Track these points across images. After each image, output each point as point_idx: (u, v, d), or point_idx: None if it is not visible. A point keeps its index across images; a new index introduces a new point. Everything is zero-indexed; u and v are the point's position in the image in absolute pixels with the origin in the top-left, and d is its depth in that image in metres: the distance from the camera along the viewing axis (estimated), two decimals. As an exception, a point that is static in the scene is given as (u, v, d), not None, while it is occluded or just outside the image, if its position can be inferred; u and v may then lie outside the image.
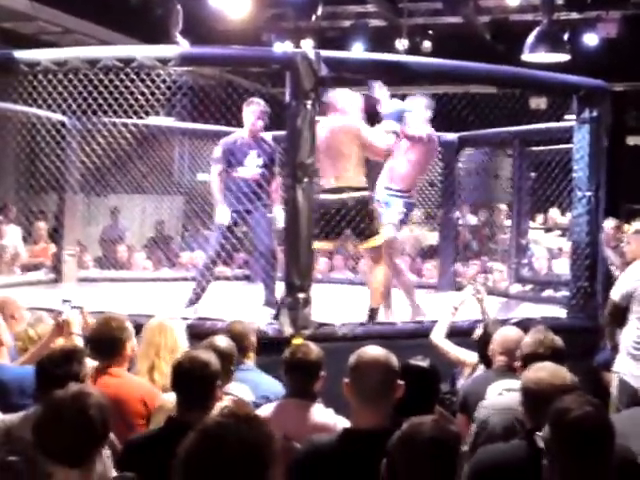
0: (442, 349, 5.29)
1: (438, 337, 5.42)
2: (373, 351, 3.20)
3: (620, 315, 4.95)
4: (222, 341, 4.17)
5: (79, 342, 4.45)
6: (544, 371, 3.13)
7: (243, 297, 7.53)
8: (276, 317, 5.95)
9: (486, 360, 4.60)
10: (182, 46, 8.24)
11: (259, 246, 6.97)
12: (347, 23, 11.51)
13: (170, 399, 3.64)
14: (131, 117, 7.61)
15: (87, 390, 2.82)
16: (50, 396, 2.78)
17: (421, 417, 2.59)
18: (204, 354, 3.43)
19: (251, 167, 6.99)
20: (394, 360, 3.18)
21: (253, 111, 7.02)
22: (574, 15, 10.41)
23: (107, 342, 4.15)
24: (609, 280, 6.58)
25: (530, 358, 3.61)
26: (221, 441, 2.09)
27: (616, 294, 5.01)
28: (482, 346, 4.67)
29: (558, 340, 3.88)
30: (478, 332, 4.98)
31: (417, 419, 2.57)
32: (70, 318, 4.60)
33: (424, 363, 4.01)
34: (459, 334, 5.56)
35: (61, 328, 4.55)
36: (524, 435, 3.09)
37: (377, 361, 3.14)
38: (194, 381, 3.30)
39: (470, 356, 5.07)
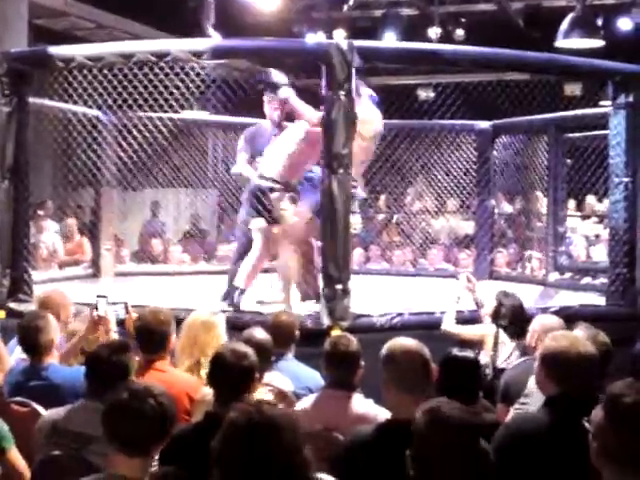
0: (458, 335, 5.42)
1: (449, 325, 5.58)
2: (403, 341, 3.26)
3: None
4: (260, 333, 4.19)
5: (115, 337, 4.48)
6: (567, 339, 3.19)
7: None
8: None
9: (512, 332, 4.84)
10: (215, 39, 8.26)
11: None
12: (379, 12, 11.45)
13: (211, 392, 3.65)
14: (166, 111, 7.65)
15: (156, 385, 2.88)
16: (126, 385, 2.87)
17: (441, 400, 2.61)
18: (241, 347, 3.44)
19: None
20: (426, 350, 3.22)
21: (269, 102, 6.97)
22: (608, 0, 10.30)
23: (155, 336, 4.16)
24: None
25: None
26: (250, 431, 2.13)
27: None
28: (497, 316, 4.95)
29: (606, 338, 3.92)
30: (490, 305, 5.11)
31: (441, 402, 2.59)
32: (106, 314, 4.62)
33: (467, 353, 4.03)
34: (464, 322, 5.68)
35: (97, 323, 4.58)
36: (547, 404, 3.10)
37: (409, 351, 3.19)
38: (232, 374, 3.31)
39: (486, 328, 5.22)
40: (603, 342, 4.00)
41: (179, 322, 4.43)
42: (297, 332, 4.82)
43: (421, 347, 3.23)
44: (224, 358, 3.35)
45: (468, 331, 5.42)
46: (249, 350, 3.41)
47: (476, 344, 5.22)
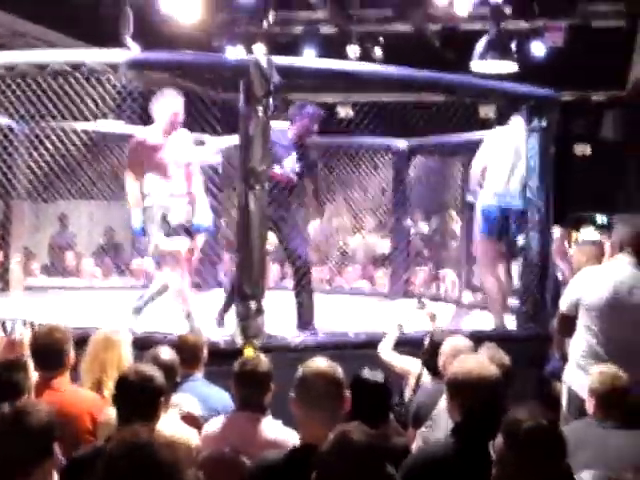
0: (389, 362, 5.31)
1: (385, 351, 5.46)
2: (318, 363, 3.20)
3: (568, 325, 4.97)
4: (166, 353, 4.12)
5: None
6: (470, 363, 3.22)
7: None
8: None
9: (433, 369, 4.62)
10: (132, 50, 8.15)
11: (296, 254, 6.78)
12: (298, 29, 11.48)
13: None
14: (80, 122, 7.52)
15: (31, 405, 2.78)
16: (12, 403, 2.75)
17: (351, 424, 2.60)
18: (147, 368, 3.37)
19: (289, 169, 6.74)
20: (340, 371, 3.18)
21: (296, 116, 6.81)
22: (522, 24, 10.51)
23: (51, 353, 4.07)
24: (558, 289, 6.64)
25: None
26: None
27: (563, 304, 5.04)
28: (428, 356, 4.72)
29: (506, 359, 3.96)
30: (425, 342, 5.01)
31: (347, 426, 2.57)
32: (22, 337, 4.50)
33: (377, 375, 4.01)
34: (409, 345, 5.54)
35: (12, 346, 4.46)
36: (454, 431, 3.11)
37: (322, 372, 3.14)
38: (137, 396, 3.24)
39: (414, 365, 5.10)
40: (502, 363, 4.02)
41: (86, 339, 4.33)
42: (205, 351, 4.76)
43: (334, 368, 3.18)
44: (129, 379, 3.28)
45: (398, 362, 5.28)
46: (156, 371, 3.34)
47: (401, 375, 5.20)
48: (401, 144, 9.44)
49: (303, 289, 6.69)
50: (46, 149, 8.22)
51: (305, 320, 6.60)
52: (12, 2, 9.68)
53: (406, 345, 5.53)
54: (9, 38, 11.18)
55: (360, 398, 3.56)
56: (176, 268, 6.26)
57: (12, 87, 6.59)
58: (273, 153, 6.31)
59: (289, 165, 6.72)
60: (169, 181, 6.34)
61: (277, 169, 6.56)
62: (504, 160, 7.03)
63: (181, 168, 6.43)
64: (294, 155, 6.76)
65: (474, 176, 7.25)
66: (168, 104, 6.39)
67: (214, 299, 7.21)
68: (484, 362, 3.32)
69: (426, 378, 4.84)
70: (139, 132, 6.65)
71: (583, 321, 4.88)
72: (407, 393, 5.00)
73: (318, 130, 6.94)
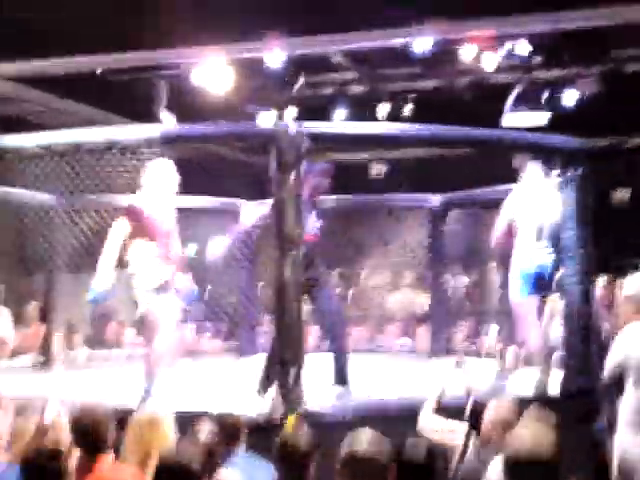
0: (432, 429, 5.03)
1: (427, 418, 5.20)
2: (365, 438, 3.19)
3: (615, 385, 4.86)
4: (205, 432, 4.10)
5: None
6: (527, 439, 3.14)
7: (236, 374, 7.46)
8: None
9: (479, 434, 4.54)
10: (166, 123, 8.29)
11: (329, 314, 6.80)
12: (328, 90, 11.59)
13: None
14: (117, 194, 7.63)
15: None
16: None
17: None
18: (186, 450, 3.36)
19: (310, 229, 6.69)
20: (386, 447, 3.19)
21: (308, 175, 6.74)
22: (553, 73, 10.49)
23: (93, 435, 4.02)
24: (603, 341, 6.53)
25: None
26: None
27: (610, 364, 4.92)
28: (473, 420, 4.64)
29: (554, 420, 3.89)
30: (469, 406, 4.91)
31: None
32: (59, 417, 4.49)
33: (421, 447, 3.92)
34: (450, 409, 5.32)
35: (45, 429, 4.45)
36: None
37: (369, 450, 3.13)
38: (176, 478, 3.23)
39: (460, 431, 4.89)
40: (550, 425, 3.90)
41: (128, 416, 4.32)
42: (244, 428, 4.71)
43: (381, 445, 3.19)
44: (168, 462, 3.27)
45: (442, 429, 4.99)
46: (194, 452, 3.33)
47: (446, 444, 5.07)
48: (436, 199, 9.41)
49: (338, 349, 6.69)
50: (85, 222, 8.32)
51: (340, 380, 6.59)
52: (47, 81, 9.90)
53: (447, 409, 5.39)
54: (46, 115, 11.44)
55: (405, 471, 3.52)
56: (159, 333, 6.22)
57: (50, 164, 6.72)
58: None
59: (311, 225, 6.72)
60: (154, 247, 6.36)
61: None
62: (530, 217, 6.98)
63: (166, 234, 6.46)
64: (313, 214, 6.78)
65: (497, 235, 7.17)
66: (157, 172, 6.43)
67: (254, 365, 7.19)
68: (540, 437, 3.21)
69: (473, 443, 4.74)
70: (128, 199, 6.67)
71: (633, 379, 4.75)
72: (454, 461, 4.87)
73: (331, 186, 6.93)
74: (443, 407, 5.32)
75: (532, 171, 7.19)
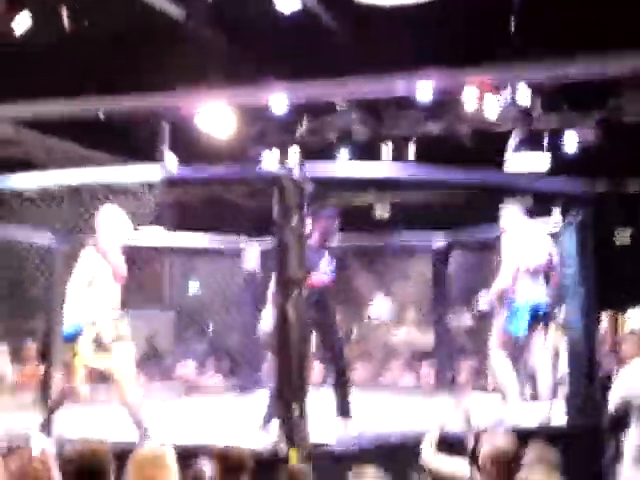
0: (434, 467, 5.03)
1: (428, 455, 5.15)
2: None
3: (620, 421, 4.85)
4: (206, 470, 4.07)
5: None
6: None
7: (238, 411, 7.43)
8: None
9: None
10: (168, 166, 8.32)
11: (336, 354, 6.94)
12: (332, 134, 11.64)
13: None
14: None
15: None
16: None
17: None
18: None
19: (323, 272, 6.86)
20: None
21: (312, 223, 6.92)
22: (553, 120, 10.56)
23: (90, 475, 4.00)
24: (607, 377, 6.53)
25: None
26: None
27: (613, 401, 4.91)
28: (476, 455, 4.59)
29: (556, 458, 3.87)
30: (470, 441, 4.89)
31: None
32: (45, 454, 4.44)
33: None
34: (452, 445, 5.32)
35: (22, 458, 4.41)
36: None
37: None
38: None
39: (463, 467, 4.82)
40: (551, 463, 3.91)
41: (127, 454, 4.27)
42: (249, 462, 4.67)
43: None
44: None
45: (445, 466, 4.96)
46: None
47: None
48: (439, 240, 9.47)
49: (342, 384, 6.84)
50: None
51: (344, 414, 6.71)
52: (44, 123, 9.96)
53: (448, 445, 5.35)
54: (45, 157, 11.48)
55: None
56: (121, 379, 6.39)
57: (50, 205, 6.72)
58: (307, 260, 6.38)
59: (324, 269, 6.84)
60: (106, 295, 6.46)
61: (314, 275, 6.62)
62: (524, 256, 7.11)
63: (119, 281, 6.52)
64: (326, 257, 6.87)
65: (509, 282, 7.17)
66: (111, 218, 6.51)
67: (255, 402, 7.17)
68: None
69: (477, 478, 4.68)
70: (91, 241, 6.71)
71: (638, 414, 4.74)
72: None
73: (339, 229, 7.03)
74: (447, 442, 5.29)
75: (513, 212, 7.33)
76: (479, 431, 4.85)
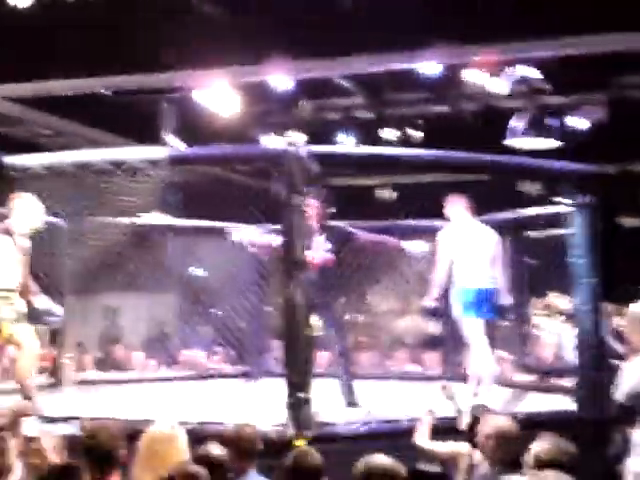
0: (430, 451, 5.09)
1: (422, 440, 5.20)
2: (383, 463, 3.25)
3: (629, 414, 4.80)
4: (215, 450, 4.05)
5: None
6: None
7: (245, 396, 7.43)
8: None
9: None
10: (172, 145, 8.29)
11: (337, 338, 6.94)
12: (334, 115, 11.59)
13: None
14: (123, 216, 7.62)
15: None
16: None
17: None
18: (192, 468, 3.32)
19: (319, 251, 6.84)
20: (404, 473, 3.23)
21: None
22: (562, 99, 10.48)
23: (103, 453, 3.98)
24: (615, 368, 6.47)
25: (550, 464, 3.54)
26: None
27: (621, 394, 4.86)
28: (473, 434, 4.61)
29: (571, 447, 3.83)
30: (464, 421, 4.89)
31: None
32: (39, 436, 4.45)
33: (435, 469, 3.91)
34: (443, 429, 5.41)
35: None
36: None
37: (388, 475, 3.20)
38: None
39: (461, 447, 4.88)
40: (567, 451, 3.85)
41: (139, 435, 4.26)
42: (260, 445, 4.66)
43: (399, 468, 3.23)
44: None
45: (441, 449, 5.04)
46: (201, 471, 3.28)
47: (449, 462, 5.01)
48: (442, 224, 9.36)
49: (346, 372, 6.91)
50: (92, 244, 8.30)
51: (349, 401, 6.77)
52: (51, 102, 9.92)
53: (440, 430, 5.37)
54: (52, 138, 11.48)
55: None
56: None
57: (57, 185, 6.70)
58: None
59: (321, 248, 6.83)
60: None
61: (311, 254, 6.57)
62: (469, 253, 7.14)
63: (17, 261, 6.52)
64: (322, 238, 6.90)
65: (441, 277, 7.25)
66: (24, 205, 6.49)
67: (264, 388, 7.16)
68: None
69: (478, 457, 4.64)
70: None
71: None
72: (460, 477, 4.79)
73: (334, 209, 7.08)
74: (439, 428, 5.30)
75: (457, 204, 7.36)
76: (474, 412, 4.85)
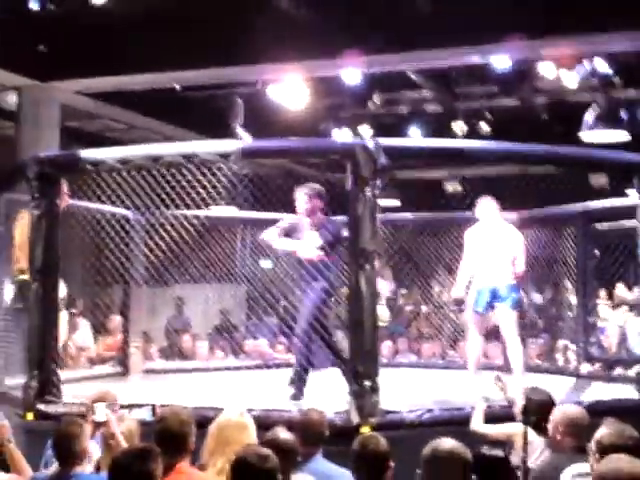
0: (486, 435, 5.25)
1: (477, 425, 5.44)
2: (447, 442, 3.28)
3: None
4: (284, 434, 4.13)
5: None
6: (622, 461, 3.06)
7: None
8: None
9: (535, 427, 4.71)
10: (243, 139, 8.40)
11: (296, 327, 7.05)
12: (404, 109, 11.60)
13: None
14: (193, 209, 7.74)
15: None
16: None
17: None
18: (262, 450, 3.40)
19: (310, 247, 6.89)
20: (467, 452, 3.26)
21: (300, 195, 7.01)
22: (631, 92, 10.35)
23: (176, 438, 4.07)
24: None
25: (612, 449, 3.54)
26: None
27: None
28: (527, 415, 4.70)
29: (635, 433, 3.83)
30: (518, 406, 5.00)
31: None
32: (108, 418, 4.57)
33: (497, 452, 3.96)
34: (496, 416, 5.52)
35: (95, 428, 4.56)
36: None
37: (452, 452, 3.22)
38: (254, 478, 3.28)
39: (514, 427, 5.00)
40: (631, 436, 3.85)
41: (207, 421, 4.37)
42: (326, 431, 4.74)
43: (464, 450, 3.27)
44: (246, 461, 3.32)
45: (496, 431, 5.24)
46: (270, 453, 3.37)
47: (506, 444, 5.09)
48: (510, 217, 9.33)
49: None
50: (161, 237, 8.45)
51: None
52: (128, 98, 10.12)
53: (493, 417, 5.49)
54: (125, 132, 11.72)
55: (482, 476, 3.53)
56: None
57: (128, 179, 6.85)
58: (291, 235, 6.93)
59: (313, 244, 6.87)
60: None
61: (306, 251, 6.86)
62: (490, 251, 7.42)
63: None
64: (313, 233, 6.92)
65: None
66: None
67: (327, 378, 7.23)
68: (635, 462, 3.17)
69: (531, 435, 4.73)
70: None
71: None
72: (515, 457, 4.86)
73: (326, 205, 7.06)
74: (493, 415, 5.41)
75: (487, 204, 7.62)
76: (531, 393, 5.04)
